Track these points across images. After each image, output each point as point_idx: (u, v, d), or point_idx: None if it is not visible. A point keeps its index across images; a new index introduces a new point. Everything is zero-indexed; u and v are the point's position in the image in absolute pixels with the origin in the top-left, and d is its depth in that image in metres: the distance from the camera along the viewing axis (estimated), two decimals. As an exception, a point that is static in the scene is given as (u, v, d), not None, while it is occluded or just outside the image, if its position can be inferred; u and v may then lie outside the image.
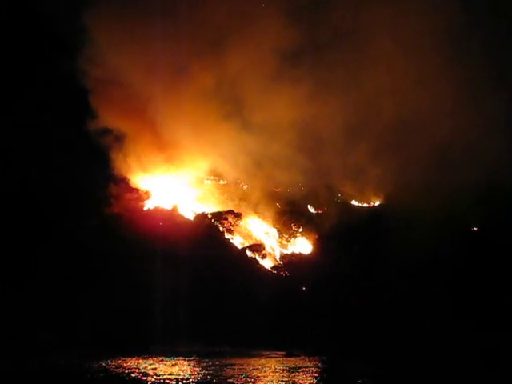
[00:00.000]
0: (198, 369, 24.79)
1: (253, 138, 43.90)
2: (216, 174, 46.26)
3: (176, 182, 44.75)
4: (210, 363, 26.34)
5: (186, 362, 26.57)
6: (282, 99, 44.70)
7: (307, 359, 27.89)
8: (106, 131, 42.56)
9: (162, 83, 44.18)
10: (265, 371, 24.39)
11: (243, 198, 45.03)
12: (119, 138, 43.11)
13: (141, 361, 26.61)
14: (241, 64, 44.61)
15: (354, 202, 46.89)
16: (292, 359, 28.24)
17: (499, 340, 29.47)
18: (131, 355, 27.82)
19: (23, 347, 28.10)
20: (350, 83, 45.07)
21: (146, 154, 43.98)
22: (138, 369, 24.39)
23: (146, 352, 28.88)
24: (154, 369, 24.45)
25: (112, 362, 26.07)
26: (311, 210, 45.73)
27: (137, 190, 43.50)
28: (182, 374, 23.41)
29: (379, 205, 46.70)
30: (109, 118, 42.71)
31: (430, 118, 45.68)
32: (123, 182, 43.28)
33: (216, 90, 44.28)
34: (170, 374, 23.14)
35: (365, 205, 47.00)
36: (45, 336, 29.74)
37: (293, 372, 24.18)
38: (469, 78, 43.69)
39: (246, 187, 46.31)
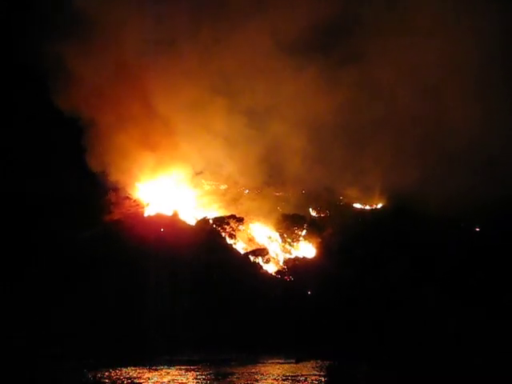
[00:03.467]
0: (196, 378, 24.18)
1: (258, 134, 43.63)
2: (215, 179, 45.93)
3: (174, 185, 44.30)
4: (212, 372, 25.81)
5: (185, 372, 25.78)
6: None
7: (316, 365, 27.34)
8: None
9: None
10: (265, 380, 23.76)
11: (244, 202, 44.62)
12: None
13: (143, 371, 25.96)
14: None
15: (356, 205, 46.52)
16: (299, 365, 27.65)
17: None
18: (133, 365, 27.13)
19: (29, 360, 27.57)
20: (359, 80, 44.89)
21: (138, 157, 43.41)
22: (138, 378, 23.88)
23: (149, 361, 28.13)
24: (152, 378, 23.94)
25: (112, 372, 25.45)
26: (313, 213, 45.34)
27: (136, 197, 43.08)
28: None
29: (382, 207, 46.37)
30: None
31: (438, 121, 45.47)
32: (122, 189, 42.81)
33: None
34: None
35: (367, 207, 46.65)
36: (52, 349, 29.19)
37: (294, 381, 23.60)
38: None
39: (247, 192, 45.93)
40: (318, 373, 25.44)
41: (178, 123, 43.56)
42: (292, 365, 27.74)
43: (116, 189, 42.41)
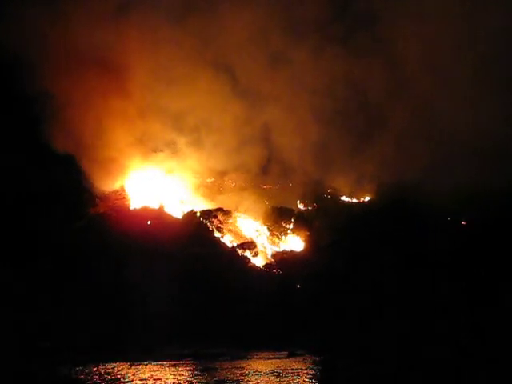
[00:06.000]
0: (182, 373, 23.74)
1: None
2: (202, 171, 45.33)
3: (160, 178, 43.61)
4: (198, 367, 25.39)
5: (169, 368, 25.30)
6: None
7: (308, 359, 27.09)
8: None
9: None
10: (251, 375, 23.34)
11: (231, 195, 44.21)
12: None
13: (124, 366, 25.45)
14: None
15: (344, 198, 46.36)
16: (290, 360, 27.37)
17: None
18: (119, 360, 26.59)
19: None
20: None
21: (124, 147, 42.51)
22: (115, 374, 23.40)
23: (136, 356, 27.58)
24: (137, 373, 23.51)
25: (101, 367, 24.95)
26: (301, 206, 45.13)
27: (122, 189, 42.24)
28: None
29: (369, 200, 46.28)
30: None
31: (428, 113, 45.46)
32: (107, 181, 41.90)
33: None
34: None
35: (355, 200, 46.53)
36: (42, 344, 28.49)
37: (282, 375, 23.23)
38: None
39: (233, 184, 45.51)
40: (307, 367, 25.20)
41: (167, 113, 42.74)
42: (283, 359, 27.46)
43: (101, 182, 41.47)
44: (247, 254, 38.84)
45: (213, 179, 45.36)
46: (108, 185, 41.35)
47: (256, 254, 39.09)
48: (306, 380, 22.30)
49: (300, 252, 40.92)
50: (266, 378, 22.66)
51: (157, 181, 43.20)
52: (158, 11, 43.18)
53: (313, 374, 23.53)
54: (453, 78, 44.15)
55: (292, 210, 43.79)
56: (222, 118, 44.12)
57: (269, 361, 27.24)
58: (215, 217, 40.41)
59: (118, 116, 42.04)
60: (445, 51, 45.05)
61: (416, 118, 45.20)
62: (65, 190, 38.53)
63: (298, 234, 42.01)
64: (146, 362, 26.06)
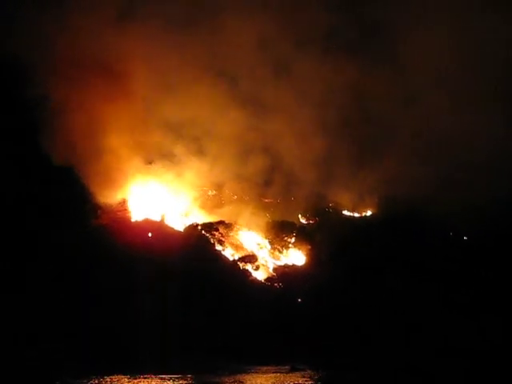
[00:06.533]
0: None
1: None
2: (204, 184, 45.28)
3: (162, 190, 43.54)
4: (197, 381, 25.14)
5: (168, 381, 25.14)
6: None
7: (309, 375, 26.82)
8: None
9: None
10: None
11: (233, 208, 44.12)
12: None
13: (128, 379, 25.20)
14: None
15: (345, 212, 46.29)
16: (291, 375, 27.13)
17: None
18: (119, 373, 26.36)
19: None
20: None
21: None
22: None
23: (136, 369, 27.35)
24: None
25: (96, 380, 24.67)
26: (302, 220, 45.05)
27: (124, 200, 42.14)
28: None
29: (371, 215, 46.22)
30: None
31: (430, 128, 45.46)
32: (109, 193, 41.81)
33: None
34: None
35: (356, 215, 46.47)
36: (31, 353, 28.21)
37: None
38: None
39: (235, 197, 45.44)
40: (309, 383, 24.99)
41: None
42: (284, 374, 27.22)
43: (102, 193, 41.38)
44: (248, 267, 38.70)
45: (214, 192, 45.30)
46: (109, 196, 41.25)
47: (257, 268, 38.93)
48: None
49: (301, 266, 40.77)
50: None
51: (158, 192, 43.10)
52: (160, 19, 42.97)
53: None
54: (463, 90, 44.19)
55: (293, 224, 43.67)
56: (223, 128, 44.05)
57: (270, 375, 27.02)
58: (217, 229, 40.29)
59: (118, 126, 41.92)
60: (455, 63, 45.10)
61: (422, 131, 45.25)
62: (65, 202, 38.38)
63: (299, 248, 41.87)
64: (145, 376, 25.83)
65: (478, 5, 43.72)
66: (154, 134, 42.55)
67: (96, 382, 24.27)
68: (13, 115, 40.32)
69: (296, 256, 41.56)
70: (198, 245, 38.56)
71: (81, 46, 40.71)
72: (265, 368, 28.54)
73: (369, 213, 46.55)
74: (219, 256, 39.01)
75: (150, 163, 43.23)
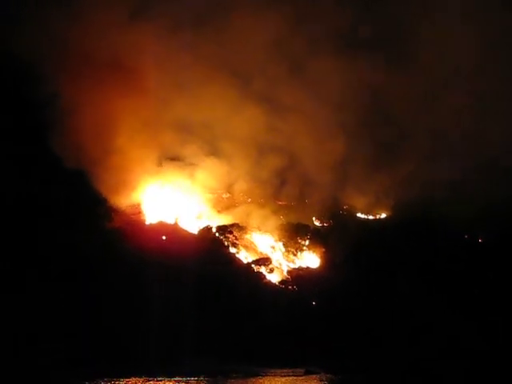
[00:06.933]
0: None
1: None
2: (218, 187, 45.27)
3: (176, 193, 43.57)
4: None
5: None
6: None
7: (324, 378, 26.68)
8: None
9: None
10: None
11: (247, 211, 44.03)
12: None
13: (138, 382, 25.25)
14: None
15: (360, 215, 46.07)
16: (305, 378, 27.01)
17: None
18: (131, 375, 26.44)
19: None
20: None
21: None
22: None
23: (150, 372, 27.42)
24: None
25: (113, 382, 24.77)
26: (317, 223, 44.86)
27: (138, 203, 42.29)
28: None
29: (385, 217, 45.94)
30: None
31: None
32: (122, 195, 41.90)
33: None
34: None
35: (371, 217, 46.21)
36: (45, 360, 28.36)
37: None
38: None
39: (249, 200, 45.35)
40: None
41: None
42: (298, 377, 27.11)
43: (117, 196, 41.51)
44: (262, 270, 38.62)
45: (228, 195, 45.26)
46: (123, 199, 41.42)
47: (271, 271, 38.83)
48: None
49: (315, 268, 40.60)
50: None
51: (172, 195, 43.19)
52: (172, 17, 43.01)
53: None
54: (483, 91, 43.70)
55: (308, 226, 43.53)
56: (237, 128, 43.85)
57: (284, 378, 26.93)
58: (231, 232, 40.30)
59: (130, 126, 41.94)
60: (474, 63, 44.67)
61: (441, 131, 44.85)
62: (80, 205, 38.51)
63: (313, 251, 41.70)
64: (160, 378, 25.89)
65: (497, 5, 43.28)
66: (167, 134, 42.47)
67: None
68: (25, 114, 40.38)
69: (310, 259, 41.39)
70: (211, 248, 38.55)
71: (92, 45, 40.74)
72: (279, 371, 28.42)
73: (383, 215, 46.29)
74: (233, 259, 39.02)
75: (162, 165, 43.30)
